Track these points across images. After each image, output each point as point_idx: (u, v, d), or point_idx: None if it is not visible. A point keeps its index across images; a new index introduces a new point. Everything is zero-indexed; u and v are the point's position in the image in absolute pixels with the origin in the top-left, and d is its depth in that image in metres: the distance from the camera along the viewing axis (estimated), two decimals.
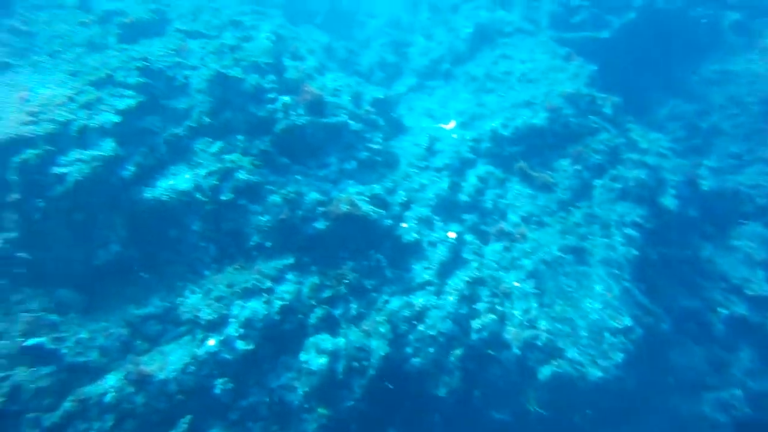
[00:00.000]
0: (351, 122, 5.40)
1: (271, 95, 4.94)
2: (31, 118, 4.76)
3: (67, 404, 4.14)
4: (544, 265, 5.22)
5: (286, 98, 4.97)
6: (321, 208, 4.62)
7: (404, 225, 5.16)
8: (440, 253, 5.10)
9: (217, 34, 6.03)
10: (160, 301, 4.62)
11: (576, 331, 4.72)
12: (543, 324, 4.80)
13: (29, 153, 4.53)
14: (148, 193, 4.54)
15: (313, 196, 4.62)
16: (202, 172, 4.52)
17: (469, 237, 5.44)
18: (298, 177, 4.75)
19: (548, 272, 5.20)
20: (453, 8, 8.49)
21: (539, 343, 4.64)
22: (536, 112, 6.05)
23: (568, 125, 6.01)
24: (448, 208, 5.62)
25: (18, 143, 4.60)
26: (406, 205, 5.36)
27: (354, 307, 4.60)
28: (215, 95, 4.87)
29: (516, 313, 4.82)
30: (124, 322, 4.59)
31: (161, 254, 4.66)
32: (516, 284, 5.02)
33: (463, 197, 5.63)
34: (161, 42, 5.51)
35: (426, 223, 5.34)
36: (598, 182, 5.60)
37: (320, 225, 4.59)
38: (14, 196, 4.56)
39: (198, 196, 4.50)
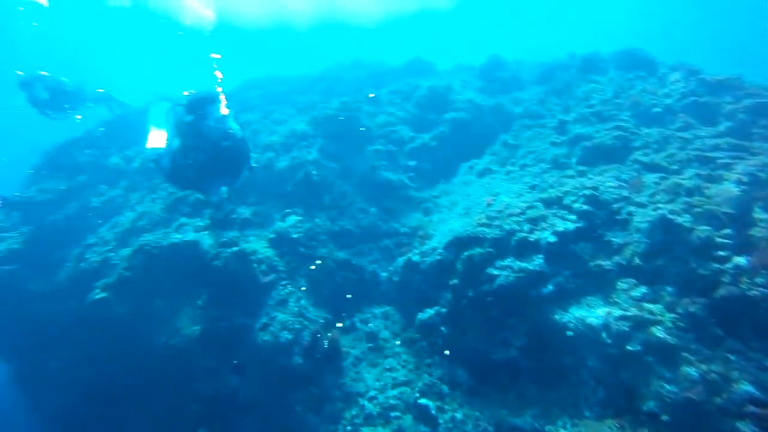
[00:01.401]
0: None
1: (722, 253, 5.42)
2: (486, 221, 7.38)
3: None
4: None
5: (741, 260, 5.31)
6: (753, 408, 4.57)
7: None
8: None
9: (677, 169, 7.01)
10: (531, 419, 5.98)
11: None
12: None
13: (476, 250, 7.00)
14: (558, 315, 6.14)
15: (745, 388, 4.67)
16: (616, 313, 5.70)
17: None
18: (731, 357, 4.88)
19: None
20: None
21: None
22: None
23: None
24: None
25: (471, 240, 7.28)
26: None
27: None
28: (654, 239, 5.94)
29: None
30: (494, 421, 6.21)
31: (550, 375, 6.15)
32: None
33: None
34: (616, 170, 7.17)
35: None
36: None
37: (744, 427, 4.54)
38: (454, 281, 7.25)
39: (603, 335, 5.65)
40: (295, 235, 8.29)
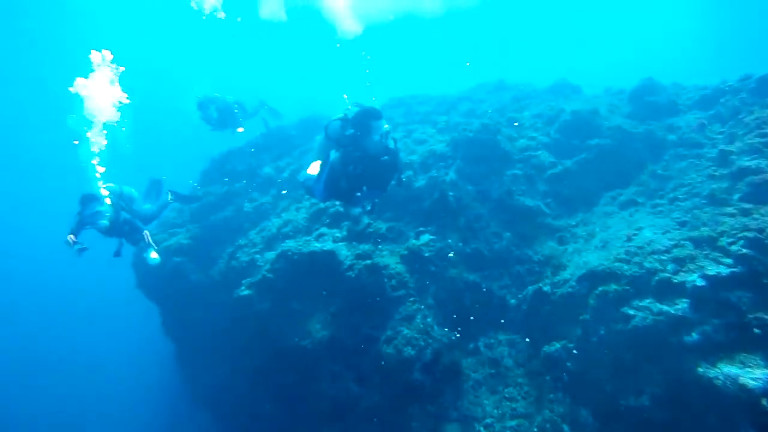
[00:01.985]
0: None
1: None
2: (625, 257, 6.93)
3: None
4: None
5: None
6: None
7: None
8: None
9: None
10: None
11: None
12: None
13: (612, 287, 6.55)
14: (702, 369, 5.51)
15: None
16: None
17: None
18: None
19: None
20: None
21: None
22: None
23: None
24: None
25: (607, 275, 6.87)
26: None
27: None
28: None
29: None
30: None
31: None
32: None
33: None
34: None
35: None
36: None
37: None
38: (585, 317, 6.90)
39: (764, 403, 4.94)
40: (427, 254, 8.48)
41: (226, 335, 9.97)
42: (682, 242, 6.53)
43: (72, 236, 8.40)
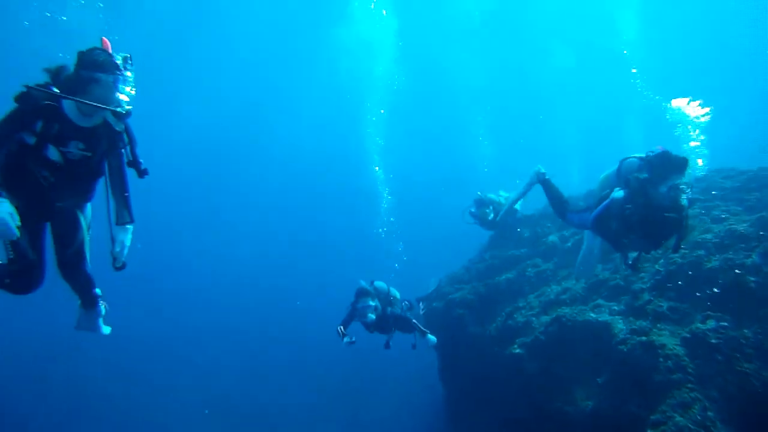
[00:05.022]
0: None
1: None
2: None
3: None
4: None
5: None
6: None
7: None
8: None
9: None
10: None
11: None
12: None
13: None
14: None
15: None
16: None
17: None
18: None
19: None
20: None
21: None
22: None
23: None
24: None
25: None
26: None
27: None
28: None
29: None
30: None
31: None
32: None
33: None
34: None
35: None
36: None
37: None
38: None
39: None
40: (713, 341, 7.72)
41: (493, 386, 10.60)
42: None
43: (342, 327, 9.46)
